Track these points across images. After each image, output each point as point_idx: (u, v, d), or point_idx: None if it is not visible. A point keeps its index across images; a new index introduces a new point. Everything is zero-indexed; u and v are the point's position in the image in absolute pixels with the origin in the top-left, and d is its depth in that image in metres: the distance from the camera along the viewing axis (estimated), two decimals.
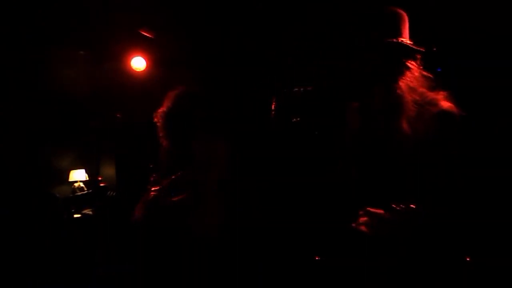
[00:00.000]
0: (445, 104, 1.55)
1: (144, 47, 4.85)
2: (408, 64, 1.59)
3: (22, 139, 5.05)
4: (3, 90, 4.81)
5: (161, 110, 2.61)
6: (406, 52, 1.59)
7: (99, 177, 4.84)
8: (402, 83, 1.59)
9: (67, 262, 3.97)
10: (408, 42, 1.59)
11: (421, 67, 1.62)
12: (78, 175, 5.75)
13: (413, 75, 1.61)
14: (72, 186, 5.70)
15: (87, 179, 5.79)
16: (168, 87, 2.68)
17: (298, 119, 2.23)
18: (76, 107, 5.30)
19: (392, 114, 1.58)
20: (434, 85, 1.63)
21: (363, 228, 1.54)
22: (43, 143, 5.31)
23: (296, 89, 1.78)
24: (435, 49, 3.99)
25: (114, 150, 5.30)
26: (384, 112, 1.61)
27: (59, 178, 5.71)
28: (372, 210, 1.53)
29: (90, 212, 4.71)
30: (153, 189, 2.52)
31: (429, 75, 1.62)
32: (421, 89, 1.62)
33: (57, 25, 4.32)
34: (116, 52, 4.88)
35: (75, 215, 4.80)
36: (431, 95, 1.60)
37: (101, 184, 4.19)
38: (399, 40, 1.56)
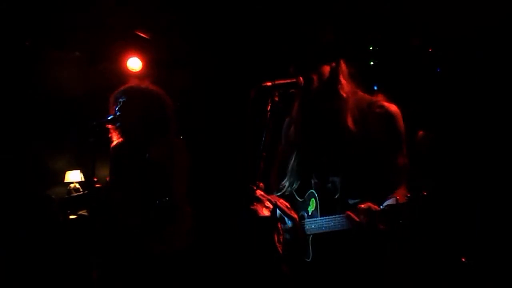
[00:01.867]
0: (391, 106, 1.72)
1: (140, 48, 4.84)
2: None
3: (18, 140, 5.02)
4: None
5: (115, 110, 2.46)
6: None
7: (95, 178, 4.80)
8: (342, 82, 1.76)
9: (64, 263, 3.94)
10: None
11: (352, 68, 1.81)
12: (74, 176, 5.73)
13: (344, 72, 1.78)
14: (68, 187, 5.68)
15: (83, 180, 5.76)
16: (164, 87, 2.64)
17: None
18: (72, 108, 5.27)
19: (338, 112, 1.73)
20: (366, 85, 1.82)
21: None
22: (38, 144, 5.28)
23: (293, 90, 1.76)
24: (430, 50, 4.01)
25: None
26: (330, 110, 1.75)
27: (54, 179, 5.68)
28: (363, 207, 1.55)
29: (86, 214, 4.68)
30: None
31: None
32: (359, 91, 1.80)
33: (53, 25, 4.30)
34: (112, 53, 4.87)
35: (71, 216, 4.77)
36: (373, 97, 1.77)
37: (97, 186, 4.16)
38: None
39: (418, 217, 1.40)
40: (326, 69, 1.75)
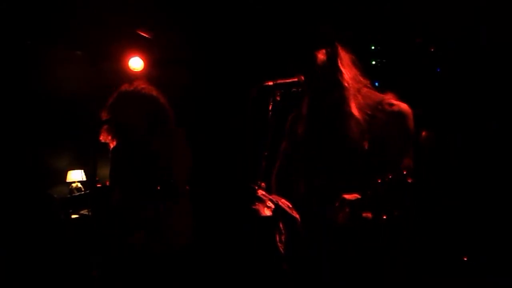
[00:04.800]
0: (402, 105, 1.69)
1: (141, 47, 4.84)
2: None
3: (20, 139, 5.02)
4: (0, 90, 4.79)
5: (114, 108, 2.46)
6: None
7: (96, 177, 4.80)
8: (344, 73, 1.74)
9: (64, 262, 3.95)
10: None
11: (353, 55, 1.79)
12: (76, 176, 5.73)
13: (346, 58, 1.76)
14: (70, 187, 5.68)
15: (85, 179, 5.76)
16: (166, 87, 2.64)
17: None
18: (74, 107, 5.27)
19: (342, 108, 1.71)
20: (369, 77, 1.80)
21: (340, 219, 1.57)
22: (40, 143, 5.28)
23: (294, 89, 1.77)
24: (432, 49, 4.01)
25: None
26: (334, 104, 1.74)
27: (56, 178, 5.68)
28: (347, 197, 1.57)
29: (88, 213, 4.69)
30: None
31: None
32: (365, 87, 1.77)
33: (54, 25, 4.30)
34: (113, 53, 4.87)
35: (73, 216, 4.78)
36: (382, 96, 1.75)
37: (98, 185, 4.17)
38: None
39: (402, 198, 1.40)
40: (324, 57, 1.74)
